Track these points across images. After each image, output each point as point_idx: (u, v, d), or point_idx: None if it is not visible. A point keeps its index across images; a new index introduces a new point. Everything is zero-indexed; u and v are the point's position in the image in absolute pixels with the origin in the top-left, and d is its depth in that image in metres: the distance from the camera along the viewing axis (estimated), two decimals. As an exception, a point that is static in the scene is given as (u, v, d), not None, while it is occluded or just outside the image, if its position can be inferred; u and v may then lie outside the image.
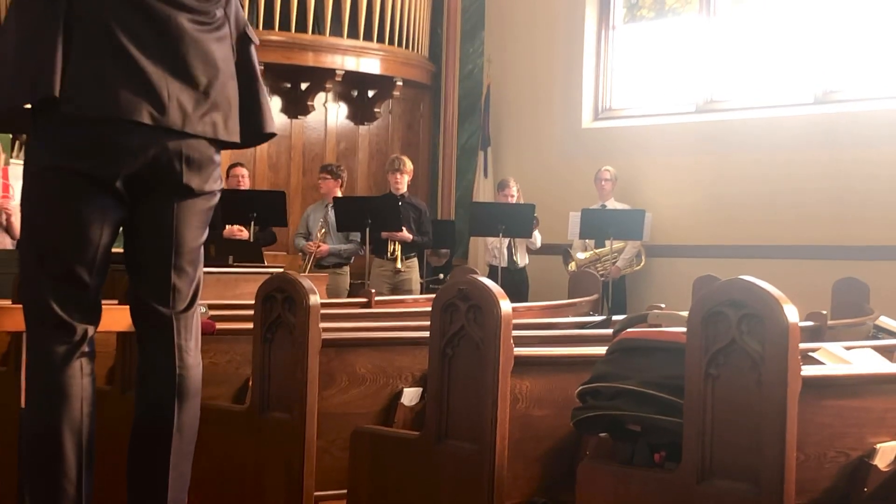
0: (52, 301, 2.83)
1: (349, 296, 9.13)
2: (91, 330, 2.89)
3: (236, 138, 2.99)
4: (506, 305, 3.21)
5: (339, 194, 9.66)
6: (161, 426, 2.91)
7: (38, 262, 2.86)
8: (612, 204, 9.95)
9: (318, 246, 9.42)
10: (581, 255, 9.72)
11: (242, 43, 3.07)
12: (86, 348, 2.87)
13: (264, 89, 3.15)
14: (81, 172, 2.79)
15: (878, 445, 2.87)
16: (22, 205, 2.95)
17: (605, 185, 9.99)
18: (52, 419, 2.80)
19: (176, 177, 2.88)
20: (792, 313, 2.67)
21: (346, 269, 9.68)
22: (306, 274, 8.69)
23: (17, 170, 8.09)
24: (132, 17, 2.79)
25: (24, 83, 2.75)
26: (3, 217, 7.59)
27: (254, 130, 3.09)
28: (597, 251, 9.71)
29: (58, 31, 2.74)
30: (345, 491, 3.58)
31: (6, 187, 7.48)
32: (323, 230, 9.47)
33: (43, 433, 2.81)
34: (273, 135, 3.15)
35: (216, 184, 3.00)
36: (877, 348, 3.98)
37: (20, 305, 2.99)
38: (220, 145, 2.99)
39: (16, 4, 2.83)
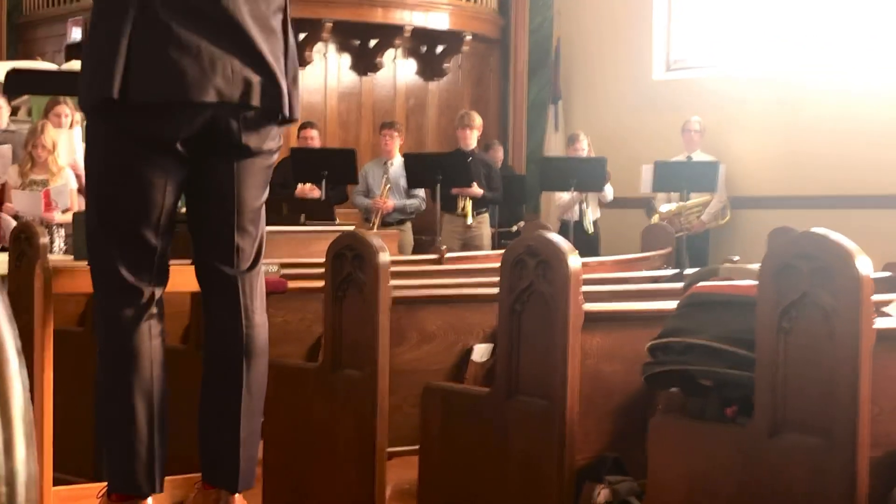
0: (118, 264, 2.86)
1: (416, 252, 9.14)
2: (158, 291, 2.92)
3: (287, 111, 2.98)
4: (575, 261, 3.19)
5: (398, 152, 9.65)
6: (230, 386, 2.94)
7: (103, 225, 2.90)
8: (698, 155, 9.83)
9: (385, 202, 9.43)
10: (664, 208, 9.62)
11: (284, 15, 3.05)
12: (154, 310, 2.90)
13: (297, 66, 3.11)
14: (143, 136, 2.82)
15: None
16: (86, 170, 2.98)
17: (694, 136, 9.87)
18: (123, 382, 2.84)
19: (234, 137, 2.90)
20: (865, 265, 2.63)
21: (409, 224, 9.69)
22: (376, 231, 8.73)
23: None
24: None
25: (95, 82, 2.80)
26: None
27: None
28: (682, 204, 9.59)
29: (122, 26, 2.77)
30: (416, 447, 3.61)
31: (48, 206, 7.67)
32: (388, 186, 9.48)
33: (114, 396, 2.86)
34: (296, 119, 3.11)
35: (274, 142, 3.01)
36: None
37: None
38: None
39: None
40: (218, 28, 2.83)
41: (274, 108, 2.94)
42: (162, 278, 2.93)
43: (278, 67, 2.93)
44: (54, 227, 7.60)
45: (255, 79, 2.88)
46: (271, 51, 2.92)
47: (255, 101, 2.89)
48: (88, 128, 2.99)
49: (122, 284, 2.86)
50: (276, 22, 2.96)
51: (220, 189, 2.94)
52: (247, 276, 2.97)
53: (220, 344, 2.97)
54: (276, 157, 3.05)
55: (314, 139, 9.86)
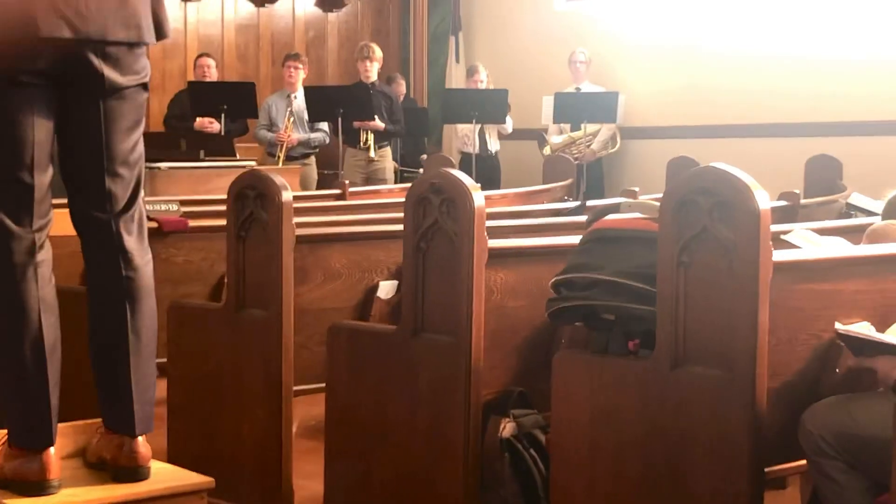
0: None
1: (319, 187, 9.08)
2: (41, 236, 2.81)
3: (153, 39, 2.90)
4: (479, 199, 3.20)
5: (301, 85, 9.55)
6: (115, 331, 2.86)
7: None
8: (586, 87, 9.90)
9: (289, 136, 9.34)
10: (556, 140, 9.69)
11: None
12: (40, 256, 2.80)
13: None
14: (3, 76, 2.72)
15: (848, 326, 2.90)
16: None
17: (580, 67, 9.92)
18: (11, 333, 2.76)
19: (96, 74, 2.79)
20: (763, 199, 2.68)
21: (313, 159, 9.62)
22: (280, 166, 8.64)
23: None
24: None
25: None
26: None
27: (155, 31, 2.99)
28: (571, 135, 9.66)
29: None
30: (323, 385, 3.61)
31: None
32: (291, 119, 9.38)
33: (4, 347, 2.78)
34: (167, 37, 3.03)
35: (142, 75, 2.92)
36: (848, 228, 4.01)
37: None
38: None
39: None
40: None
41: (139, 40, 2.84)
42: (43, 221, 2.82)
43: None
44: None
45: (114, 9, 2.78)
46: None
47: (115, 35, 2.79)
48: None
49: (3, 232, 2.76)
50: None
51: (86, 132, 2.82)
52: (121, 219, 2.87)
53: (102, 290, 2.88)
54: (145, 96, 2.95)
55: (210, 68, 9.69)
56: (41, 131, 2.78)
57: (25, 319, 2.76)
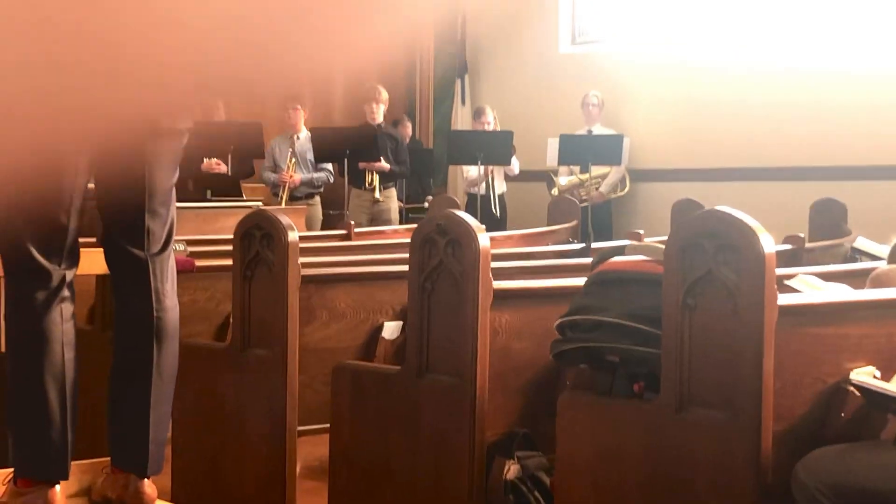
0: (29, 247, 2.81)
1: (324, 227, 9.10)
2: (70, 274, 2.87)
3: None
4: (484, 240, 3.21)
5: (304, 126, 9.60)
6: (140, 369, 2.91)
7: (12, 207, 2.83)
8: (598, 129, 9.92)
9: (291, 177, 9.37)
10: (564, 181, 9.71)
11: None
12: (66, 293, 2.85)
13: None
14: None
15: (855, 371, 2.90)
16: None
17: (593, 109, 9.96)
18: (34, 367, 2.79)
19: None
20: (768, 243, 2.69)
21: (318, 199, 9.65)
22: (283, 206, 8.67)
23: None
24: None
25: None
26: None
27: None
28: (580, 176, 9.68)
29: None
30: (327, 425, 3.61)
31: None
32: (293, 160, 9.41)
33: (25, 381, 2.81)
34: None
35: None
36: (853, 272, 4.01)
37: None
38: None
39: None
40: None
41: None
42: (73, 261, 2.88)
43: None
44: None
45: None
46: None
47: None
48: None
49: (34, 267, 2.80)
50: None
51: (130, 170, 2.90)
52: (157, 259, 2.94)
53: (131, 328, 2.94)
54: (186, 138, 3.01)
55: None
56: (82, 177, 2.84)
57: (49, 353, 2.80)
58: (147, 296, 2.91)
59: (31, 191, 2.79)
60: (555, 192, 9.47)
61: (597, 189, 9.70)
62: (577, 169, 9.75)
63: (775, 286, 2.70)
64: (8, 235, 2.86)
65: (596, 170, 9.52)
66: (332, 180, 9.59)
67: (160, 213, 2.94)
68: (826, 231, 6.30)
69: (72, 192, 2.82)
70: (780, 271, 2.88)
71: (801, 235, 5.52)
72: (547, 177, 9.80)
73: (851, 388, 2.87)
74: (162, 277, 2.94)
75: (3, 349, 3.07)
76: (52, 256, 2.83)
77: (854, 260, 5.26)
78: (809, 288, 3.29)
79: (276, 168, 9.52)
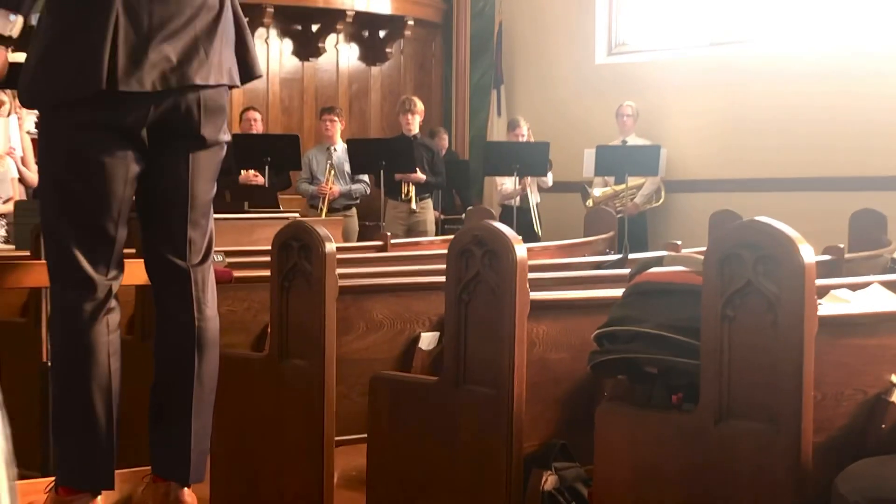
0: (78, 257, 2.83)
1: (361, 238, 9.13)
2: (116, 284, 2.90)
3: (238, 82, 3.02)
4: (521, 251, 3.21)
5: (340, 137, 9.64)
6: (182, 379, 2.93)
7: (62, 217, 2.86)
8: (633, 140, 9.91)
9: (331, 188, 9.41)
10: (598, 192, 9.69)
11: None
12: (112, 303, 2.88)
13: (248, 30, 3.15)
14: (106, 124, 2.80)
15: (896, 382, 2.88)
16: (41, 159, 2.94)
17: (627, 120, 9.95)
18: (81, 376, 2.82)
19: (194, 126, 2.89)
20: (808, 253, 2.67)
21: (354, 210, 9.68)
22: (322, 218, 8.70)
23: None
24: None
25: (75, 75, 2.76)
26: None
27: (245, 73, 3.10)
28: (614, 187, 9.67)
29: (105, 17, 2.76)
30: (364, 436, 3.61)
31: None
32: (332, 172, 9.45)
33: (71, 390, 2.83)
34: (260, 75, 3.17)
35: (226, 135, 3.01)
36: (892, 283, 3.98)
37: (40, 261, 3.00)
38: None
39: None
40: (169, 9, 2.82)
41: (230, 83, 2.95)
42: (119, 271, 2.91)
43: (224, 40, 2.93)
44: (-5, 217, 7.52)
45: (201, 58, 2.87)
46: (223, 30, 2.92)
47: (205, 79, 2.87)
48: (46, 120, 2.92)
49: (81, 277, 2.83)
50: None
51: (174, 181, 2.93)
52: (199, 269, 2.97)
53: (173, 337, 2.96)
54: (224, 151, 3.04)
55: (257, 121, 9.81)
56: (130, 188, 2.88)
57: (95, 363, 2.83)
58: (189, 306, 2.94)
59: (83, 203, 2.85)
60: (589, 203, 9.45)
61: (632, 200, 9.68)
62: (611, 180, 9.74)
63: (815, 297, 2.68)
64: (56, 245, 2.89)
65: (630, 181, 9.51)
66: (369, 192, 9.63)
67: (201, 224, 2.97)
68: (865, 241, 6.27)
69: (120, 202, 2.85)
70: (819, 282, 2.86)
71: (841, 246, 5.48)
72: (581, 188, 9.78)
73: (893, 400, 2.85)
74: (203, 287, 2.97)
75: (47, 358, 3.10)
76: (99, 266, 2.85)
77: (894, 271, 5.22)
78: (838, 303, 3.26)
79: (312, 179, 9.56)
